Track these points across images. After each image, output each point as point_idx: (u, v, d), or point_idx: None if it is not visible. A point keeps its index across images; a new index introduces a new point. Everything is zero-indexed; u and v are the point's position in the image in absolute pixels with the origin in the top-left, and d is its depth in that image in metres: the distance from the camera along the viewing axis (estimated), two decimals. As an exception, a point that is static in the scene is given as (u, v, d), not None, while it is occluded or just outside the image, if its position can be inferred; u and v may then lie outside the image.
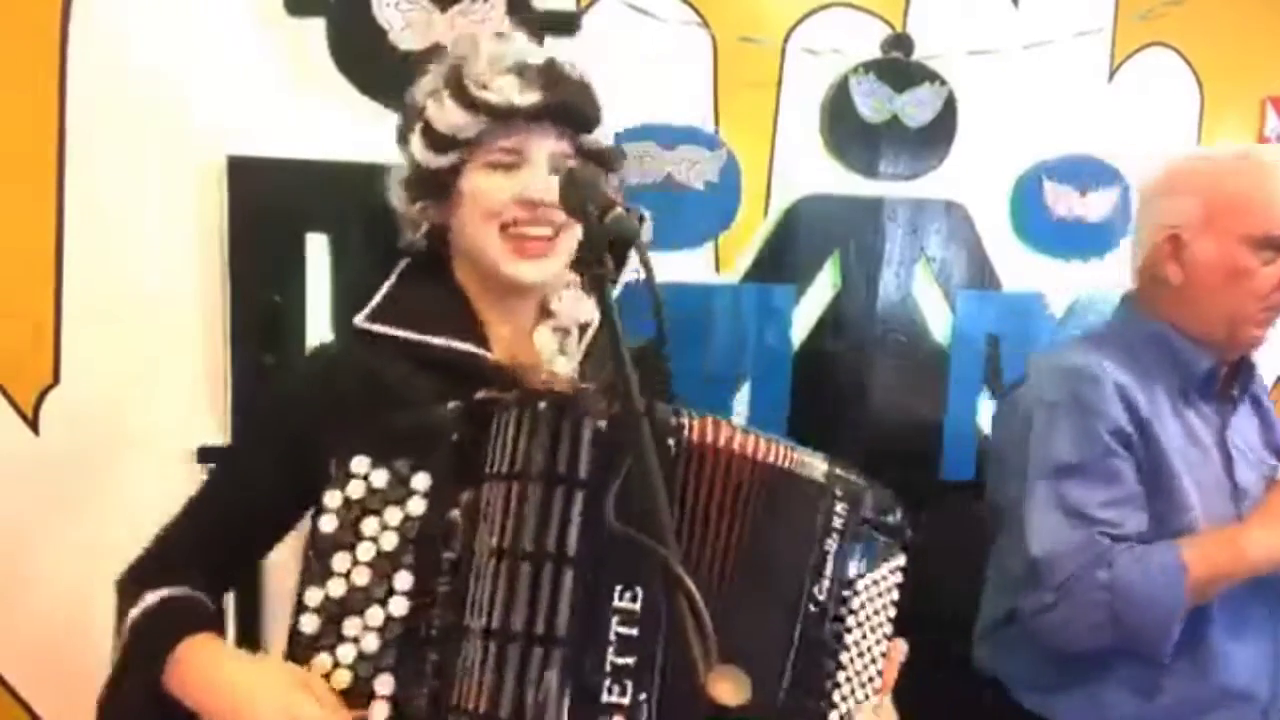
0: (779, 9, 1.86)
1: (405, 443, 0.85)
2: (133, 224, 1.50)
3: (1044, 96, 2.04)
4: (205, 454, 1.56)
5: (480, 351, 1.05)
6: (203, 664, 0.87)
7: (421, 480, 0.84)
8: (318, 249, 1.57)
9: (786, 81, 1.87)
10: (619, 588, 0.80)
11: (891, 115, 1.93)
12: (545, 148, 1.04)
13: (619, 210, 0.80)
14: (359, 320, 1.08)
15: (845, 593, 0.97)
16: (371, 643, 0.82)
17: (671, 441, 0.86)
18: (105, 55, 1.46)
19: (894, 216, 1.96)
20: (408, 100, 1.09)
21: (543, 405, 0.83)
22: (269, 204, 1.52)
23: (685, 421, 0.88)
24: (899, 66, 1.92)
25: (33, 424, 1.50)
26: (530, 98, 1.01)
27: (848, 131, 1.91)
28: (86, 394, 1.50)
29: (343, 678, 0.82)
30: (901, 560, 1.05)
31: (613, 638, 0.79)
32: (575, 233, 1.06)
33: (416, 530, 0.83)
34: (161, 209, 1.51)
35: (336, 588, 0.82)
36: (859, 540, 0.98)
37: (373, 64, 1.57)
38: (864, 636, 0.99)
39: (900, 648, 1.04)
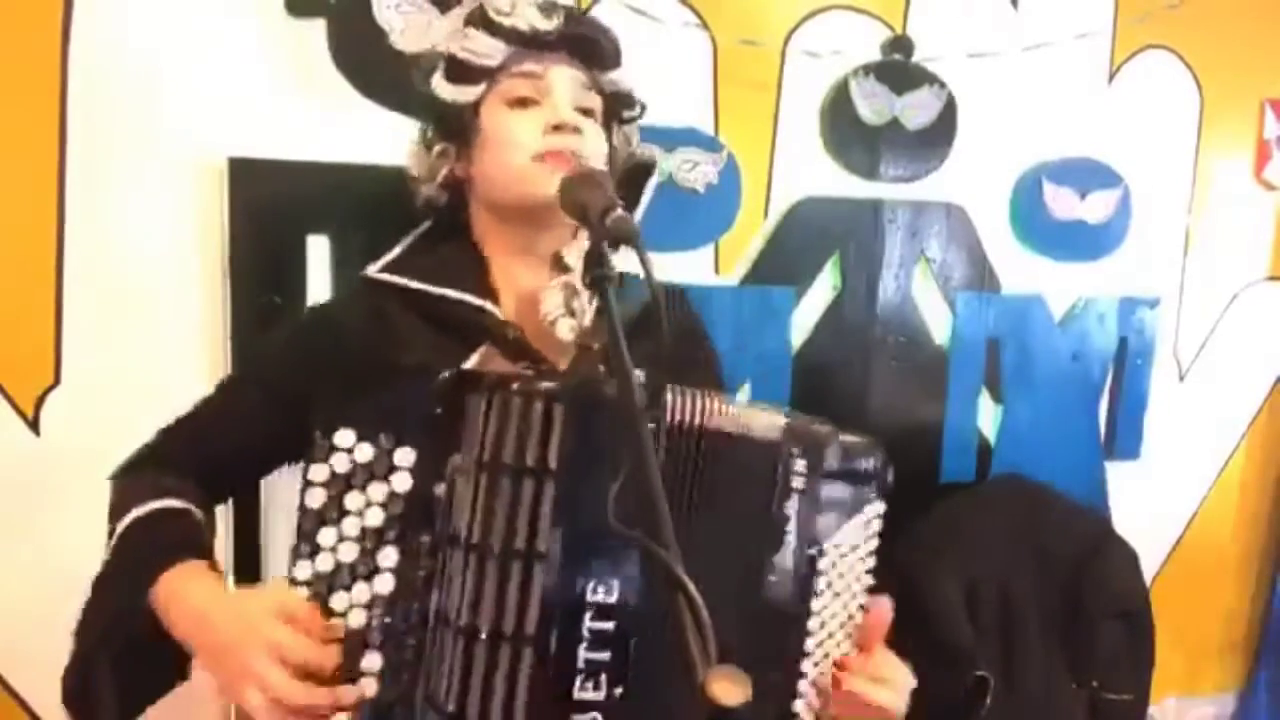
0: (779, 11, 1.86)
1: (390, 415, 0.81)
2: (133, 224, 1.50)
3: (1043, 99, 2.05)
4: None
5: (487, 305, 1.03)
6: (175, 588, 0.88)
7: (405, 455, 0.81)
8: (318, 250, 1.57)
9: (786, 83, 1.88)
10: (593, 582, 0.77)
11: (891, 117, 1.93)
12: (565, 75, 1.04)
13: (619, 212, 0.80)
14: (370, 270, 1.07)
15: (812, 552, 0.90)
16: (358, 618, 0.80)
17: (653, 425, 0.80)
18: (106, 55, 1.46)
19: (894, 218, 1.96)
20: (427, 51, 1.08)
21: (515, 390, 0.79)
22: (269, 205, 1.52)
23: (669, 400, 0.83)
24: (899, 69, 1.92)
25: (33, 424, 1.50)
26: (552, 24, 1.03)
27: (848, 133, 1.92)
28: (86, 394, 1.51)
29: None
30: (879, 509, 0.97)
31: (586, 634, 0.77)
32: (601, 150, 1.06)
33: (401, 507, 0.81)
34: (162, 210, 1.51)
35: (324, 563, 0.80)
36: (827, 495, 0.91)
37: (373, 65, 1.57)
38: (835, 597, 0.92)
39: (883, 606, 0.96)
